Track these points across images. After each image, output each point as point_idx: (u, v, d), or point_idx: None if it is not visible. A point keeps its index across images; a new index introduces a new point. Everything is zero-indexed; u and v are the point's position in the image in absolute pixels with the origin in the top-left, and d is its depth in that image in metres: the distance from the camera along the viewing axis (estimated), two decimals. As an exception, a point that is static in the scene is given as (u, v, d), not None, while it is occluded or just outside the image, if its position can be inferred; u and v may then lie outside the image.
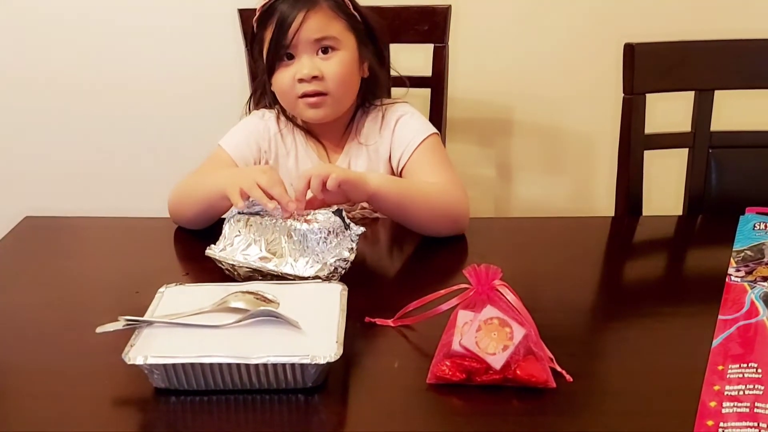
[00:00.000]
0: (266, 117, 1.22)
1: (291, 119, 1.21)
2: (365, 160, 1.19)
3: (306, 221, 0.90)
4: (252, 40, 1.19)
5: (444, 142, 1.45)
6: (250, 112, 1.25)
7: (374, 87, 1.21)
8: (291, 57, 1.13)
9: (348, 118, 1.21)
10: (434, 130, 1.19)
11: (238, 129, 1.21)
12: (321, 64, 1.12)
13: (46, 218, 1.17)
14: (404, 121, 1.19)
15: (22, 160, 1.82)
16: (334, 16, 1.13)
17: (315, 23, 1.10)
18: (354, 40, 1.15)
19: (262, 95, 1.24)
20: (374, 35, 1.20)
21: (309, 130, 1.21)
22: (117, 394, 0.73)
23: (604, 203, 1.64)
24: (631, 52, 1.19)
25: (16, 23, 1.72)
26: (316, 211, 0.92)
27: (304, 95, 1.12)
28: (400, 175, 1.18)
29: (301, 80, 1.11)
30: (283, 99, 1.17)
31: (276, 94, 1.17)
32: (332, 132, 1.21)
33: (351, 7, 1.15)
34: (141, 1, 1.70)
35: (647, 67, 1.20)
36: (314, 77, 1.11)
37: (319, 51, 1.12)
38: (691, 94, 1.22)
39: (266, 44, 1.13)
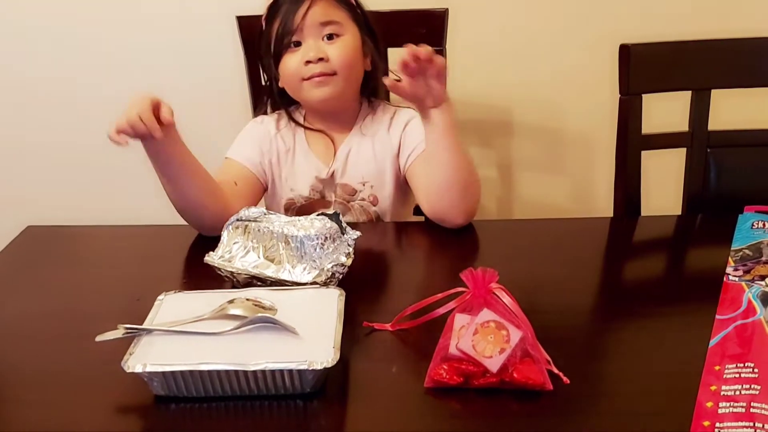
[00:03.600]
0: (265, 122, 1.25)
1: (293, 119, 1.23)
2: (369, 151, 1.21)
3: (302, 227, 0.91)
4: (259, 38, 1.22)
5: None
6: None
7: (375, 82, 1.24)
8: (297, 44, 1.16)
9: (352, 112, 1.24)
10: None
11: (240, 138, 1.25)
12: (326, 47, 1.16)
13: (48, 227, 1.17)
14: (416, 123, 1.21)
15: (24, 171, 1.83)
16: (337, 5, 1.18)
17: (320, 9, 1.16)
18: (357, 30, 1.20)
19: (269, 99, 1.27)
20: (374, 31, 1.23)
21: (313, 127, 1.23)
22: (117, 401, 0.73)
23: (604, 203, 1.64)
24: (626, 53, 1.19)
25: (15, 32, 1.73)
26: (313, 217, 0.93)
27: (311, 77, 1.15)
28: (404, 176, 1.20)
29: (308, 62, 1.15)
30: (289, 84, 1.19)
31: (283, 82, 1.20)
32: (337, 125, 1.23)
33: (354, 0, 1.20)
34: (141, 11, 1.71)
35: (643, 67, 1.20)
36: (320, 59, 1.14)
37: (324, 37, 1.16)
38: (687, 94, 1.22)
39: (273, 36, 1.17)
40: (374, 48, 1.23)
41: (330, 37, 1.16)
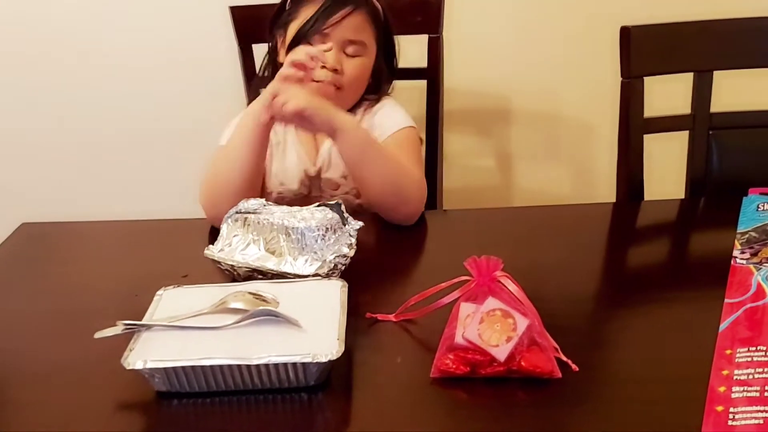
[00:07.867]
0: None
1: None
2: None
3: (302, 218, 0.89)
4: (282, 5, 1.22)
5: (441, 133, 1.45)
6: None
7: (375, 89, 1.25)
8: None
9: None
10: (412, 124, 1.22)
11: (232, 127, 1.21)
12: (344, 60, 1.17)
13: (43, 224, 1.16)
14: (384, 111, 1.23)
15: (18, 168, 1.81)
16: (368, 24, 1.19)
17: (353, 24, 1.17)
18: (375, 50, 1.21)
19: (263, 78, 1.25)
20: (392, 45, 1.26)
21: None
22: (119, 399, 0.72)
23: (606, 190, 1.62)
24: (627, 35, 1.18)
25: (10, 29, 1.71)
26: (314, 207, 0.92)
27: (318, 80, 1.15)
28: None
29: (322, 67, 1.14)
30: None
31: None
32: None
33: (383, 20, 1.22)
34: (133, 2, 1.70)
35: (644, 50, 1.19)
36: (335, 69, 1.15)
37: (344, 51, 1.17)
38: (689, 76, 1.21)
39: (301, 20, 1.17)
40: (384, 59, 1.25)
41: (350, 53, 1.17)
